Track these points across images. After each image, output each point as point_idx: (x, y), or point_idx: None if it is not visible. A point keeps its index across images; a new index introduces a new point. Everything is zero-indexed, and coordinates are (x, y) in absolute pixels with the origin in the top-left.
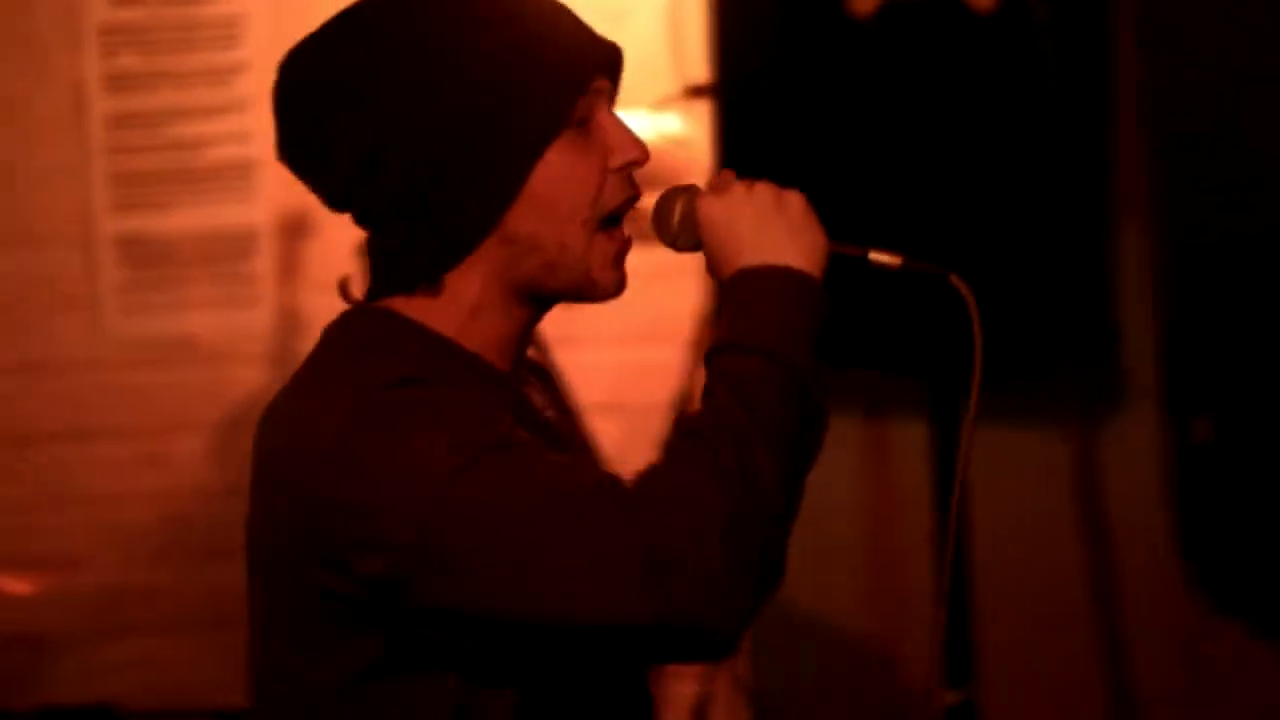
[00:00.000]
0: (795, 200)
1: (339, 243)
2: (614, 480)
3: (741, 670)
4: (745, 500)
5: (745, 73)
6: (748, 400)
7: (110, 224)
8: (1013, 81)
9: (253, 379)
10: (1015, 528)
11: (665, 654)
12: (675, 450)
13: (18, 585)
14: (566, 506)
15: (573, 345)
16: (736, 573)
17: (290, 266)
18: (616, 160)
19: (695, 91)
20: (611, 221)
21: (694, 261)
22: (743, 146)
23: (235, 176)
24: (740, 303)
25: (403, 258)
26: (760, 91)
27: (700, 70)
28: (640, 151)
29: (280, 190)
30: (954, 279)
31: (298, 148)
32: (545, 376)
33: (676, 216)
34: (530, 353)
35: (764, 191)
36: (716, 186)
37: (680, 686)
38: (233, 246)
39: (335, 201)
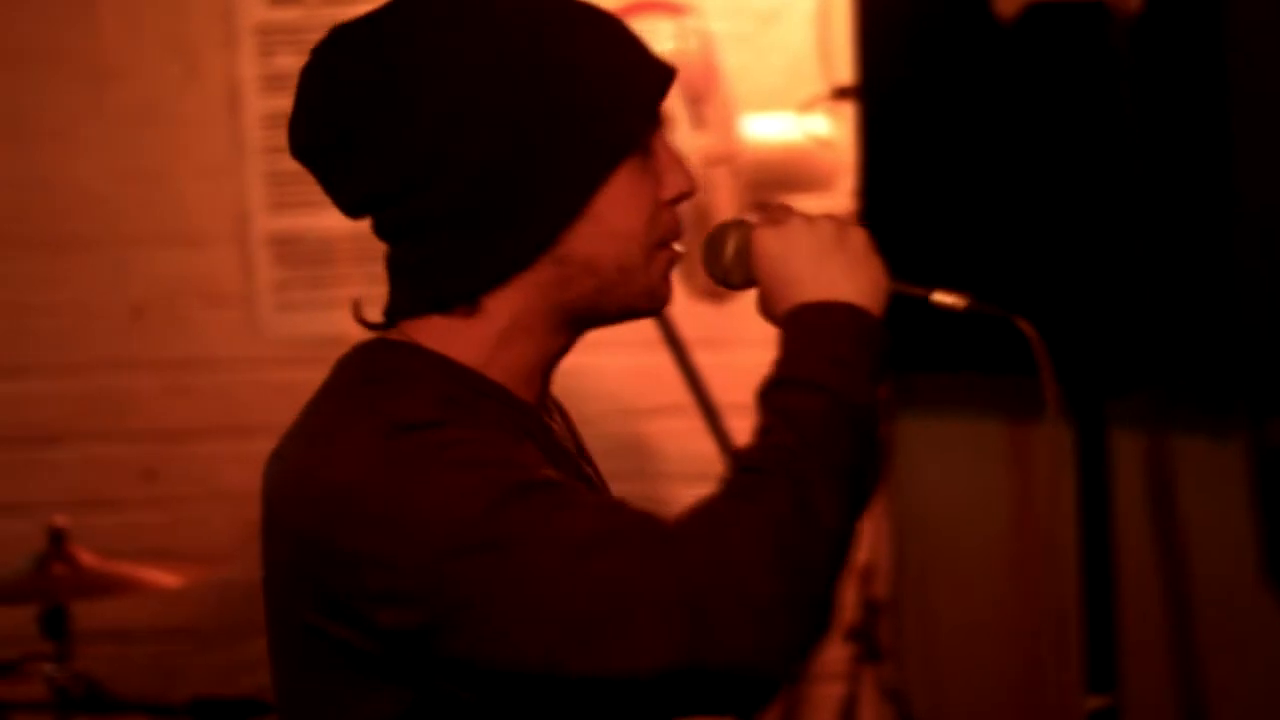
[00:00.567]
0: (857, 236)
1: None
2: (652, 518)
3: (887, 673)
4: (798, 536)
5: (888, 75)
6: (804, 436)
7: (265, 223)
8: (1157, 84)
9: None
10: (1160, 533)
11: (704, 701)
12: (727, 485)
13: (171, 579)
14: (597, 549)
15: (723, 347)
16: (782, 611)
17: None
18: (669, 192)
19: (841, 93)
20: (654, 254)
21: None
22: (885, 147)
23: None
24: (797, 339)
25: (442, 274)
26: (903, 93)
27: (847, 72)
28: (690, 184)
29: None
30: (1019, 321)
31: (331, 144)
32: (560, 408)
33: (730, 250)
34: None
35: (825, 225)
36: (773, 219)
37: (826, 688)
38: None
39: (359, 208)
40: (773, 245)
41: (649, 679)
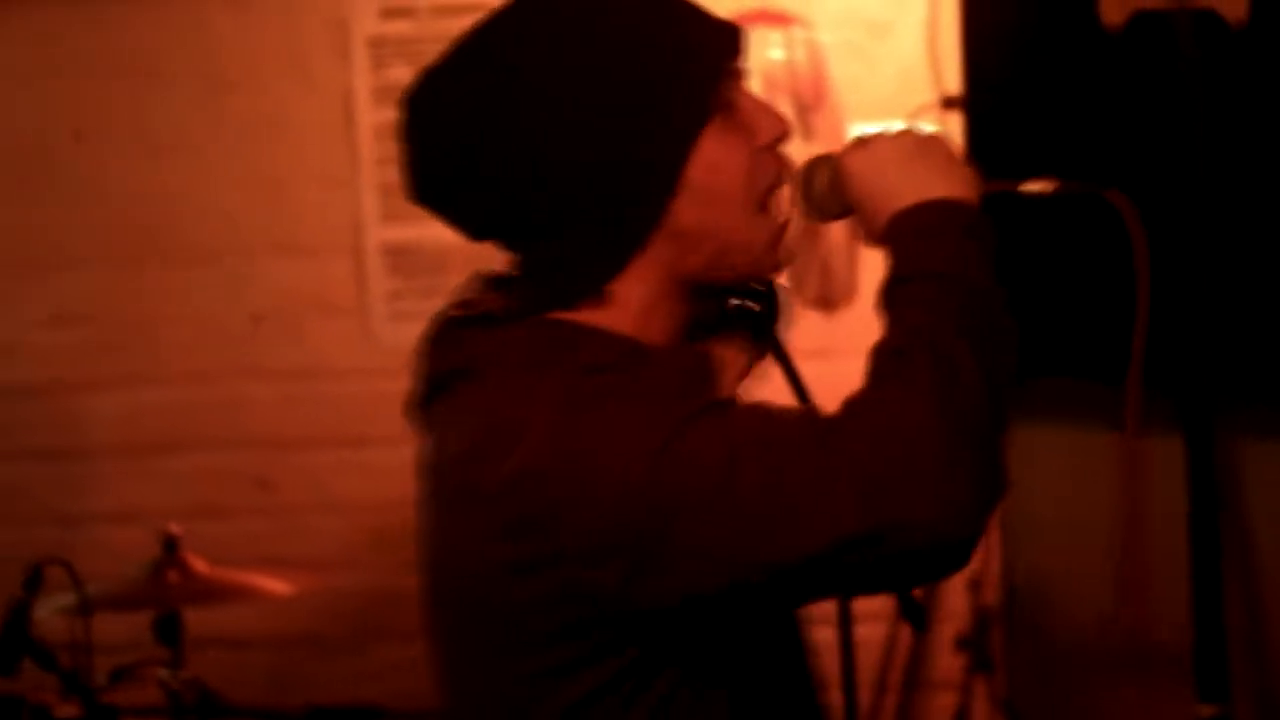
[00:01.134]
0: (939, 140)
1: None
2: (816, 413)
3: (998, 683)
4: (950, 396)
5: (995, 83)
6: (934, 313)
7: (379, 233)
8: (1264, 93)
9: None
10: (1271, 543)
11: (899, 569)
12: (872, 372)
13: (283, 586)
14: (776, 449)
15: (833, 357)
16: (950, 467)
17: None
18: (763, 138)
19: (949, 102)
20: (766, 202)
21: None
22: (991, 156)
23: None
24: (905, 241)
25: (563, 272)
26: (1010, 101)
27: (956, 82)
28: (783, 126)
29: None
30: (1111, 195)
31: (444, 185)
32: None
33: (821, 182)
34: None
35: (908, 136)
36: (856, 143)
37: (938, 698)
38: (500, 255)
39: (483, 230)
40: (861, 165)
41: (833, 551)
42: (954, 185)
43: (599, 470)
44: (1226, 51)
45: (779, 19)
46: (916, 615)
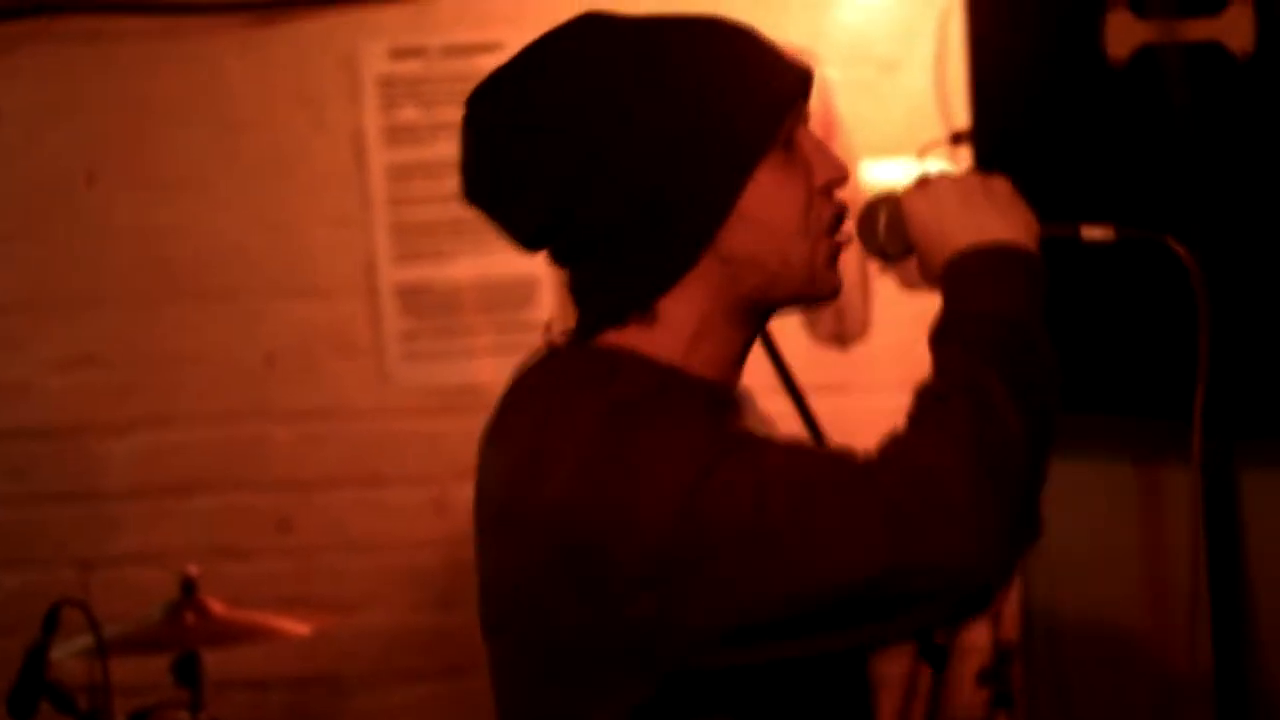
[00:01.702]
0: (1001, 183)
1: None
2: (850, 452)
3: (1019, 718)
4: (987, 442)
5: (1003, 118)
6: (979, 357)
7: (392, 273)
8: (1270, 126)
9: None
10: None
11: (925, 611)
12: (913, 415)
13: (302, 627)
14: (813, 482)
15: (848, 392)
16: (983, 511)
17: (571, 313)
18: (820, 179)
19: (958, 138)
20: (830, 230)
21: None
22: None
23: None
24: (960, 282)
25: (613, 288)
26: (1018, 136)
27: (965, 118)
28: (841, 170)
29: None
30: (1171, 241)
31: (498, 186)
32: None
33: (882, 223)
34: None
35: (969, 178)
36: (918, 184)
37: None
38: (513, 294)
39: (535, 240)
40: (922, 206)
41: (861, 588)
42: (1013, 229)
43: (632, 503)
44: (1231, 84)
45: None
46: (937, 657)
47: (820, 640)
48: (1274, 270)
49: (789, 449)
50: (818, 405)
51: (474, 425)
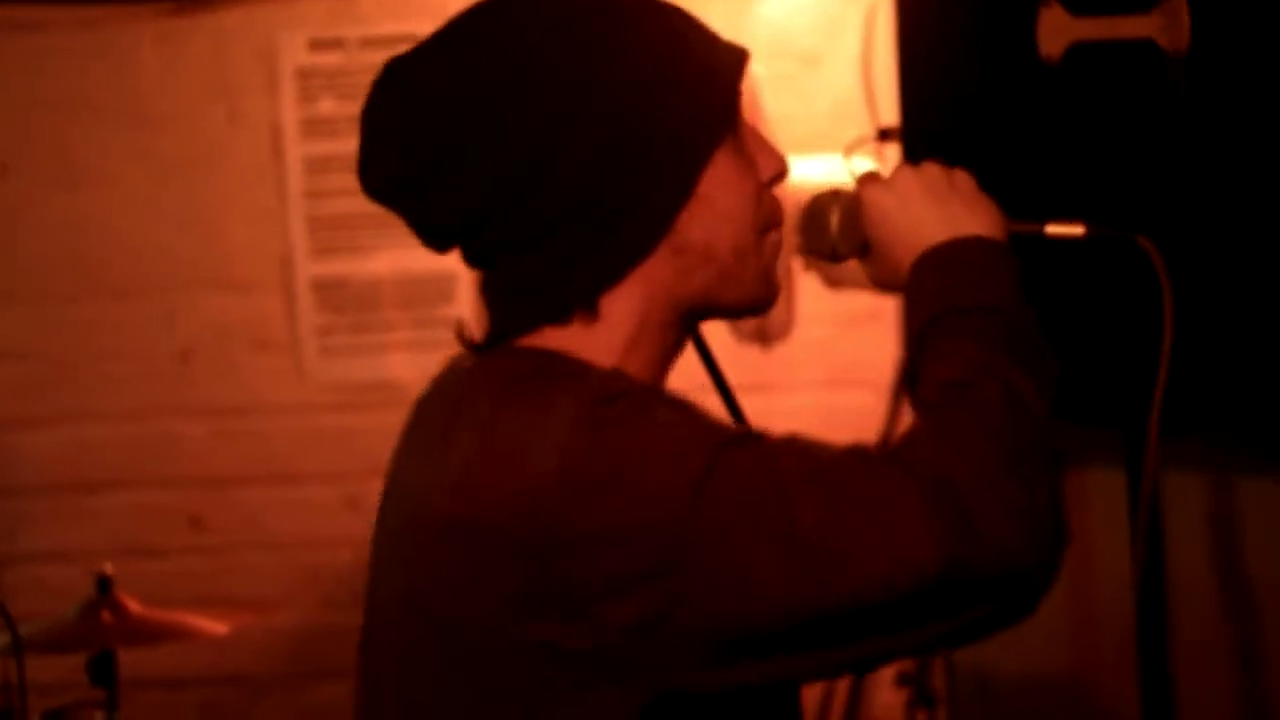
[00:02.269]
0: (963, 176)
1: None
2: (862, 447)
3: (940, 715)
4: (1016, 419)
5: (933, 115)
6: (986, 342)
7: (310, 268)
8: (1207, 125)
9: None
10: (1218, 579)
11: (980, 603)
12: (935, 404)
13: (219, 626)
14: (837, 474)
15: (770, 390)
16: (1030, 487)
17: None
18: (766, 173)
19: (886, 135)
20: (764, 236)
21: (890, 306)
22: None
23: None
24: (941, 278)
25: (555, 283)
26: (948, 134)
27: (892, 114)
28: (784, 164)
29: None
30: (1141, 240)
31: (414, 178)
32: None
33: (836, 219)
34: None
35: (933, 169)
36: (876, 178)
37: None
38: (431, 290)
39: (455, 235)
40: (886, 199)
41: (919, 585)
42: (983, 223)
43: (628, 500)
44: (1166, 81)
45: None
46: None
47: (834, 654)
48: (1197, 267)
49: (799, 442)
50: (740, 404)
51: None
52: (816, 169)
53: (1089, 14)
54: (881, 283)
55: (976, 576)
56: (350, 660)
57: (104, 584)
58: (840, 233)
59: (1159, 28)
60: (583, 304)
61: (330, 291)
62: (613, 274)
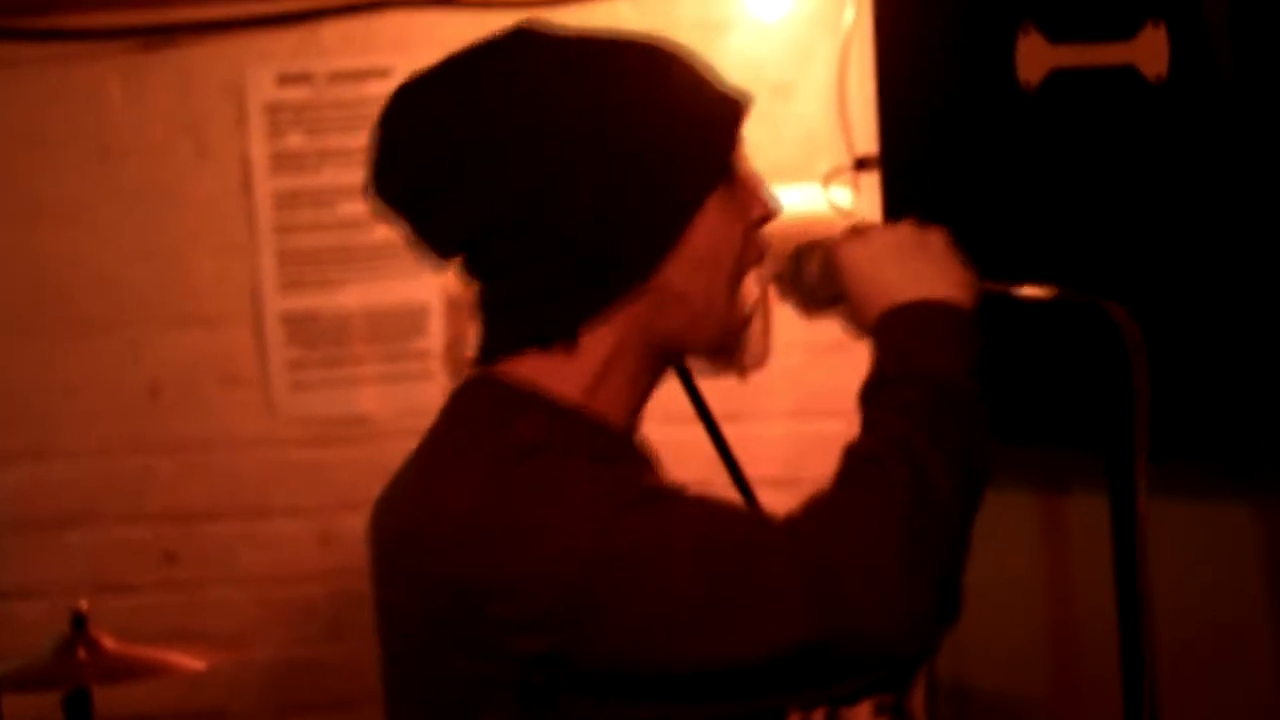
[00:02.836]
0: (937, 236)
1: None
2: (770, 515)
3: None
4: (918, 512)
5: (912, 143)
6: (914, 421)
7: (279, 302)
8: (1187, 151)
9: None
10: (1201, 607)
11: (842, 681)
12: (843, 474)
13: (191, 662)
14: (725, 542)
15: (744, 419)
16: (911, 581)
17: (460, 342)
18: (756, 212)
19: (863, 163)
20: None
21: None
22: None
23: (403, 254)
24: (898, 336)
25: (540, 307)
26: (927, 162)
27: (867, 143)
28: (775, 205)
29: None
30: (1108, 306)
31: (435, 181)
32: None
33: (814, 268)
34: None
35: (906, 229)
36: (853, 233)
37: None
38: (402, 323)
39: (460, 244)
40: (859, 254)
41: (785, 655)
42: (951, 285)
43: (535, 549)
44: (1146, 108)
45: None
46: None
47: (724, 705)
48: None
49: (703, 505)
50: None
51: (361, 456)
52: (791, 198)
53: (1068, 41)
54: (853, 332)
55: (842, 655)
56: (324, 693)
57: (79, 621)
58: (817, 282)
59: (1138, 55)
60: (563, 333)
61: (300, 326)
62: (594, 308)
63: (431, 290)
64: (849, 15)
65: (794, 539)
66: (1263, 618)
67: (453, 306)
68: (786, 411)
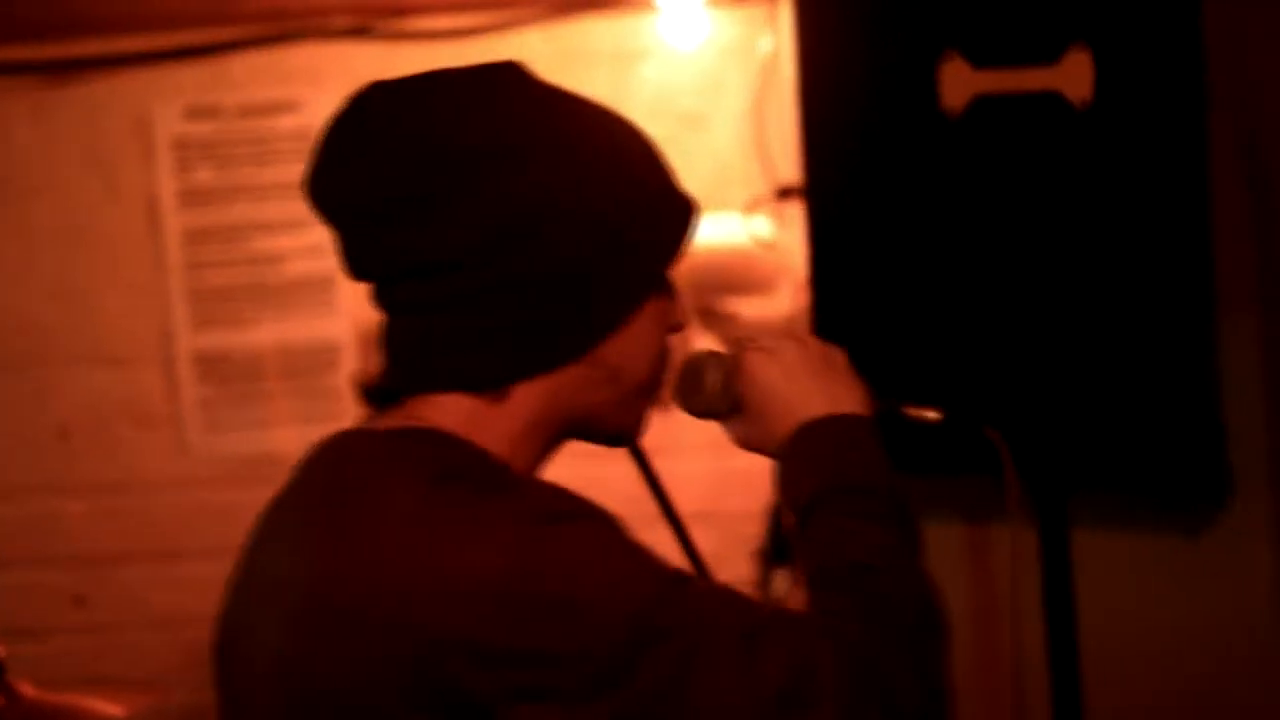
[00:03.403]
0: (839, 355)
1: None
2: (793, 614)
3: None
4: (919, 607)
5: (835, 172)
6: (889, 528)
7: (190, 341)
8: (1110, 175)
9: None
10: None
11: None
12: (844, 583)
13: (116, 709)
14: (764, 635)
15: (668, 454)
16: (937, 670)
17: (374, 379)
18: (676, 317)
19: (785, 193)
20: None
21: None
22: (833, 246)
23: (316, 290)
24: (829, 449)
25: (483, 353)
26: (851, 190)
27: (790, 172)
28: (686, 319)
29: (361, 303)
30: (989, 432)
31: (380, 196)
32: None
33: (712, 380)
34: None
35: (814, 345)
36: (759, 346)
37: None
38: (315, 360)
39: (400, 270)
40: (770, 369)
41: None
42: (857, 400)
43: (566, 625)
44: (1071, 132)
45: None
46: None
47: None
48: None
49: (735, 595)
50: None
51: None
52: (713, 229)
53: (992, 66)
54: (745, 443)
55: None
56: None
57: None
58: (716, 394)
59: (1063, 79)
60: (498, 385)
61: (212, 364)
62: (535, 368)
63: (344, 326)
64: (765, 44)
65: (835, 639)
66: (1194, 648)
67: (365, 342)
68: (708, 446)
